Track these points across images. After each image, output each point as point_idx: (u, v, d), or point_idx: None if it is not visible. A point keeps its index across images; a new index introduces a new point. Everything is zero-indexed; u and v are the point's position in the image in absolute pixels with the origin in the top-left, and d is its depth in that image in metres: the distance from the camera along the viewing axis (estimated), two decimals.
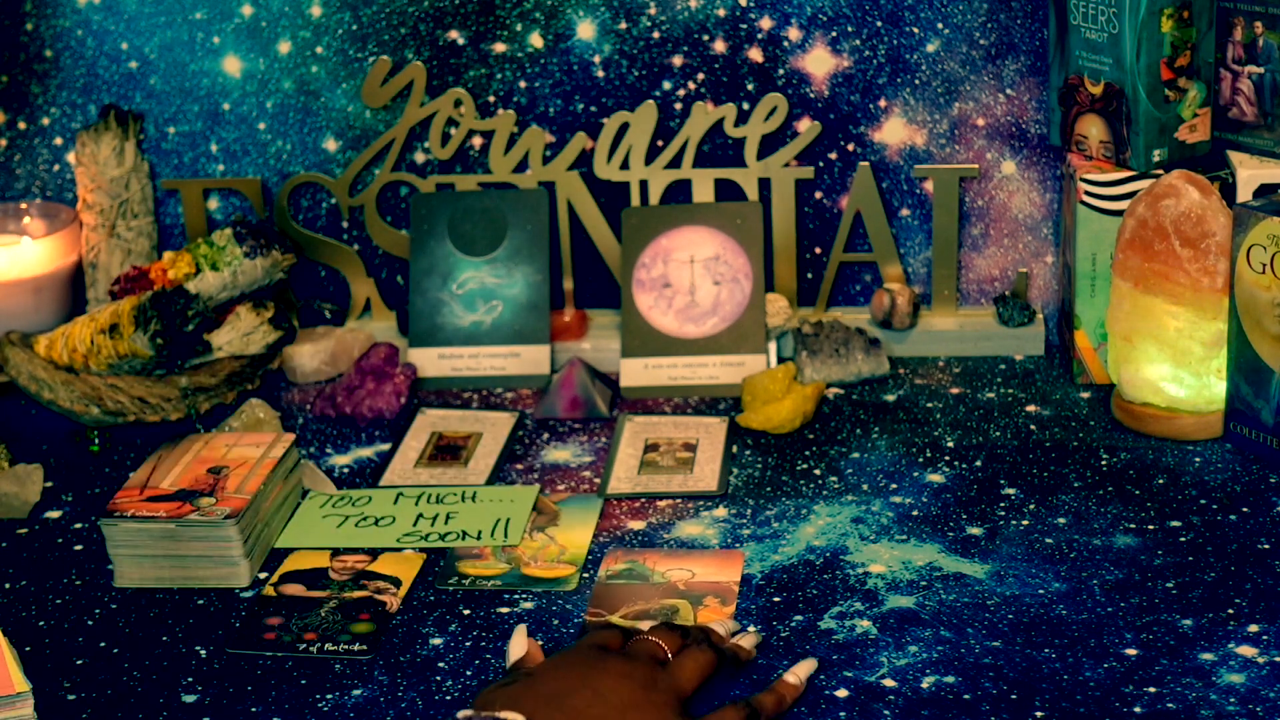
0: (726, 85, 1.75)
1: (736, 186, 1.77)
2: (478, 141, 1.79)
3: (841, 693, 1.20)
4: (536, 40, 1.75)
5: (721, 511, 1.47)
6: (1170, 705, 1.17)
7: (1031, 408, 1.64)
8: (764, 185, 1.77)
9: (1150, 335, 1.56)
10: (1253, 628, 1.26)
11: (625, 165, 1.77)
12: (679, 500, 1.49)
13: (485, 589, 1.36)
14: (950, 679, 1.21)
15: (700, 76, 1.75)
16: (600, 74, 1.76)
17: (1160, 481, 1.49)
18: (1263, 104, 1.61)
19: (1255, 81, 1.61)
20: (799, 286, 1.80)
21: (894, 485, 1.50)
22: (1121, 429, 1.59)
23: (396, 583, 1.36)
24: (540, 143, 1.77)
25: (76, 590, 1.38)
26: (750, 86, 1.75)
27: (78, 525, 1.48)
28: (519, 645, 1.22)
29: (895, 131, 1.75)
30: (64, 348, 1.63)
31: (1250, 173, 1.59)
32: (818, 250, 1.80)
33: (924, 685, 1.21)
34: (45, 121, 1.82)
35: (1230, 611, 1.28)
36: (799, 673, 1.20)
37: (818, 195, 1.78)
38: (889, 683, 1.21)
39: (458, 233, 1.77)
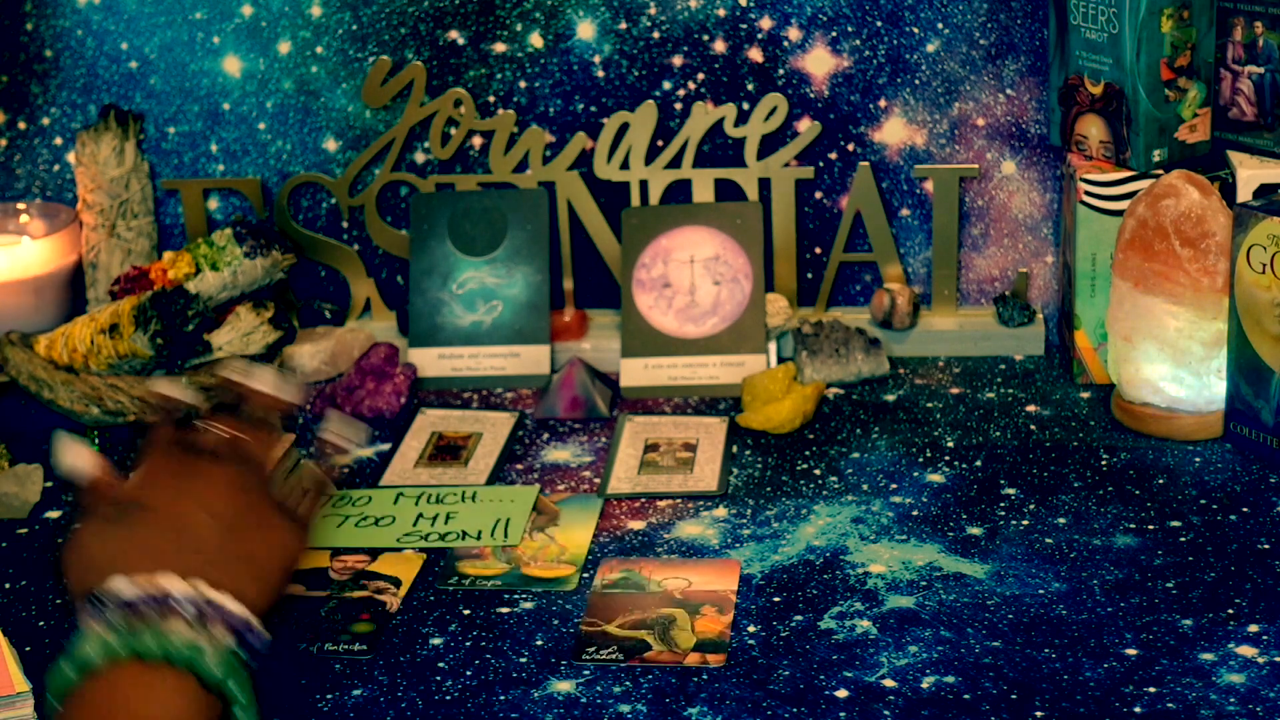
0: (726, 85, 1.75)
1: (736, 186, 1.77)
2: (478, 141, 1.79)
3: (841, 693, 1.20)
4: (536, 40, 1.75)
5: (721, 511, 1.47)
6: (1170, 705, 1.17)
7: (1031, 408, 1.64)
8: (764, 185, 1.77)
9: (1150, 335, 1.56)
10: (1253, 628, 1.26)
11: (625, 165, 1.77)
12: (679, 500, 1.49)
13: (485, 589, 1.36)
14: (950, 679, 1.21)
15: (700, 76, 1.75)
16: (600, 74, 1.76)
17: (1160, 481, 1.49)
18: (1263, 104, 1.61)
19: (1255, 81, 1.61)
20: (799, 286, 1.80)
21: (894, 485, 1.50)
22: (1121, 429, 1.59)
23: (396, 583, 1.36)
24: (540, 143, 1.77)
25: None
26: (750, 86, 1.75)
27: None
28: (79, 459, 1.13)
29: (895, 131, 1.75)
30: (64, 348, 1.63)
31: (1250, 173, 1.59)
32: (818, 250, 1.80)
33: (924, 685, 1.21)
34: (45, 121, 1.82)
35: (1230, 611, 1.28)
36: (262, 380, 1.17)
37: (818, 195, 1.78)
38: (889, 683, 1.21)
39: (458, 233, 1.77)
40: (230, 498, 1.11)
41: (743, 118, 1.76)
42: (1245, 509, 1.43)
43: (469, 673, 1.24)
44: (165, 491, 1.11)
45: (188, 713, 1.01)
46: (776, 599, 1.32)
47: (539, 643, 1.28)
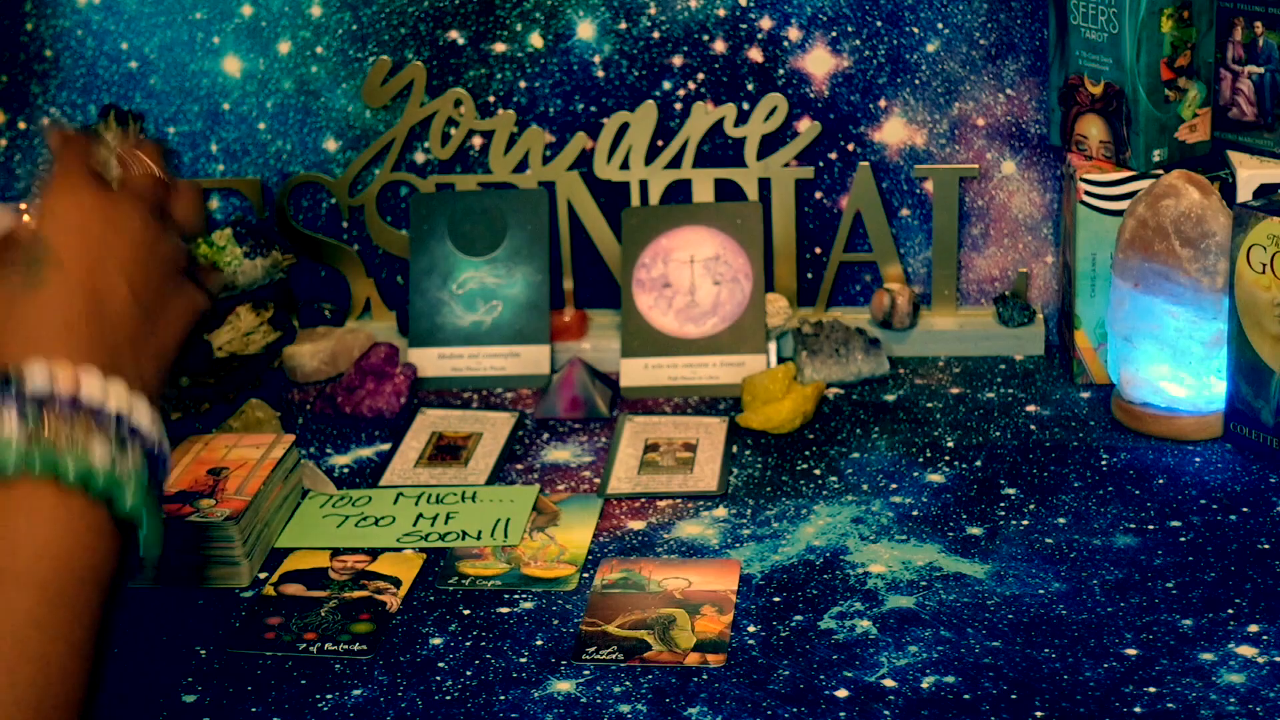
0: (726, 85, 1.75)
1: (736, 186, 1.77)
2: (478, 141, 1.79)
3: (841, 693, 1.20)
4: (536, 40, 1.75)
5: (721, 511, 1.47)
6: (1170, 705, 1.17)
7: (1031, 408, 1.64)
8: (764, 185, 1.77)
9: (1150, 335, 1.56)
10: (1253, 628, 1.26)
11: (625, 165, 1.77)
12: (679, 500, 1.49)
13: (485, 589, 1.36)
14: (950, 679, 1.21)
15: (700, 76, 1.75)
16: (600, 74, 1.76)
17: (1160, 481, 1.49)
18: (1263, 104, 1.61)
19: (1255, 81, 1.61)
20: (799, 286, 1.80)
21: (894, 485, 1.50)
22: (1121, 429, 1.59)
23: (396, 583, 1.36)
24: (540, 143, 1.77)
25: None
26: (750, 86, 1.75)
27: None
28: None
29: (895, 131, 1.75)
30: None
31: (1250, 173, 1.59)
32: (818, 250, 1.80)
33: (924, 685, 1.21)
34: (45, 121, 1.82)
35: (1230, 611, 1.28)
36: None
37: (818, 195, 1.78)
38: (889, 683, 1.21)
39: (458, 233, 1.77)
40: (149, 261, 1.01)
41: (743, 118, 1.76)
42: (1245, 509, 1.43)
43: (469, 673, 1.24)
44: (84, 247, 1.00)
45: (94, 545, 0.93)
46: (776, 599, 1.32)
47: (539, 643, 1.28)
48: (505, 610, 1.33)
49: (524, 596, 1.34)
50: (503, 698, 1.21)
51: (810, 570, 1.36)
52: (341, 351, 1.74)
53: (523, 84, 1.77)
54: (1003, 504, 1.46)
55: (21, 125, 1.82)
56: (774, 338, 1.73)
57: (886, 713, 1.18)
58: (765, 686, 1.21)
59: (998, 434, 1.59)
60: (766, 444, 1.58)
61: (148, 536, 0.97)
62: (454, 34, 1.76)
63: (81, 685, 0.90)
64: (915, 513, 1.45)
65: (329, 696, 1.22)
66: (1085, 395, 1.66)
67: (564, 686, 1.22)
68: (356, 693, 1.23)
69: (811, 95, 1.75)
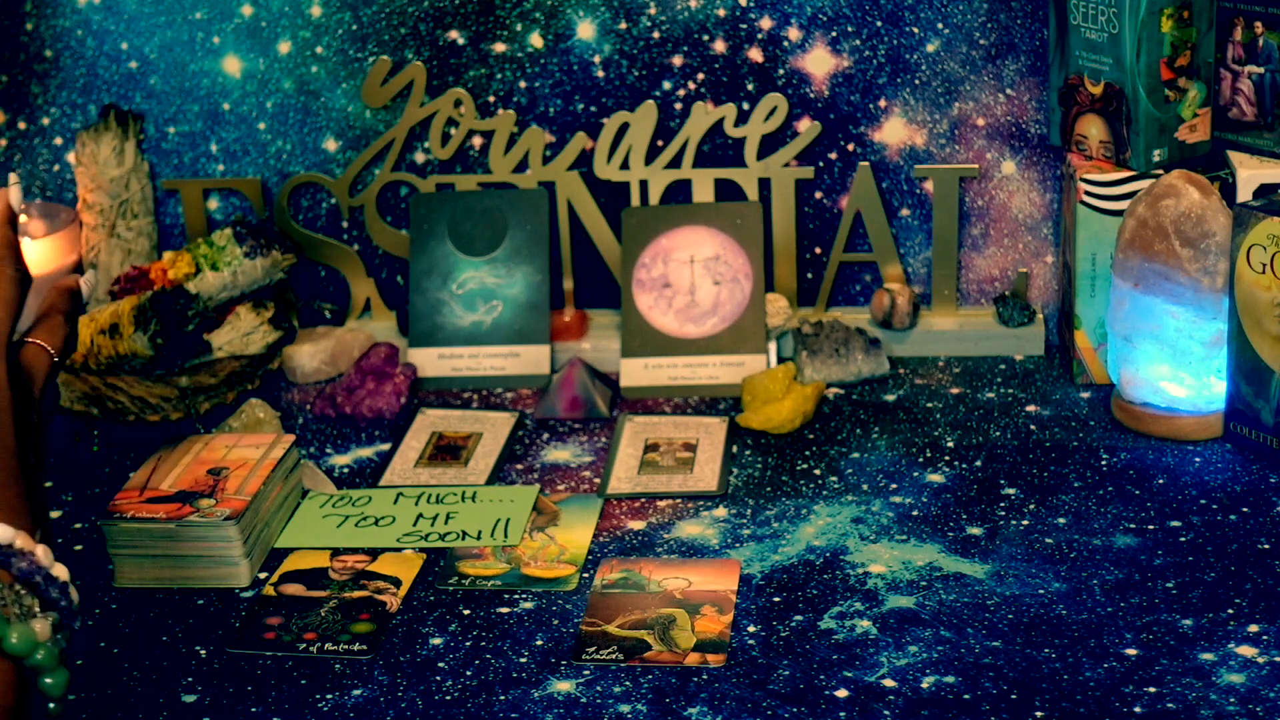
0: (726, 85, 1.75)
1: (736, 186, 1.77)
2: (478, 141, 1.79)
3: (841, 693, 1.20)
4: (536, 40, 1.75)
5: (721, 511, 1.47)
6: (1170, 705, 1.17)
7: (1031, 408, 1.64)
8: (764, 185, 1.77)
9: (1150, 335, 1.56)
10: (1253, 628, 1.26)
11: (625, 165, 1.77)
12: (679, 500, 1.49)
13: (485, 589, 1.36)
14: (950, 679, 1.21)
15: (700, 76, 1.75)
16: (600, 74, 1.76)
17: (1160, 481, 1.49)
18: (1263, 104, 1.61)
19: (1255, 81, 1.61)
20: (799, 286, 1.80)
21: (894, 485, 1.50)
22: (1121, 429, 1.59)
23: (396, 583, 1.36)
24: (540, 143, 1.77)
25: (76, 590, 1.38)
26: (750, 86, 1.75)
27: (78, 525, 1.48)
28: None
29: (895, 131, 1.75)
30: None
31: (1250, 173, 1.59)
32: (818, 250, 1.80)
33: (924, 685, 1.21)
34: (45, 121, 1.82)
35: (1230, 611, 1.28)
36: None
37: (818, 195, 1.78)
38: (889, 683, 1.21)
39: (458, 233, 1.77)
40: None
41: (743, 118, 1.76)
42: (1245, 509, 1.43)
43: (469, 673, 1.24)
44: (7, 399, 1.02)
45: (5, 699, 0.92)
46: (776, 599, 1.32)
47: (539, 643, 1.28)
48: (505, 610, 1.33)
49: (524, 596, 1.34)
50: (503, 698, 1.21)
51: (810, 570, 1.36)
52: (341, 351, 1.74)
53: (523, 84, 1.77)
54: (1003, 504, 1.46)
55: (21, 125, 1.82)
56: (774, 338, 1.73)
57: (886, 713, 1.18)
58: (765, 686, 1.21)
59: (998, 434, 1.59)
60: (766, 444, 1.58)
61: (54, 687, 0.97)
62: (454, 34, 1.76)
63: None
64: (915, 513, 1.45)
65: (329, 696, 1.22)
66: (1085, 395, 1.66)
67: (564, 686, 1.22)
68: (356, 693, 1.23)
69: (811, 95, 1.75)
